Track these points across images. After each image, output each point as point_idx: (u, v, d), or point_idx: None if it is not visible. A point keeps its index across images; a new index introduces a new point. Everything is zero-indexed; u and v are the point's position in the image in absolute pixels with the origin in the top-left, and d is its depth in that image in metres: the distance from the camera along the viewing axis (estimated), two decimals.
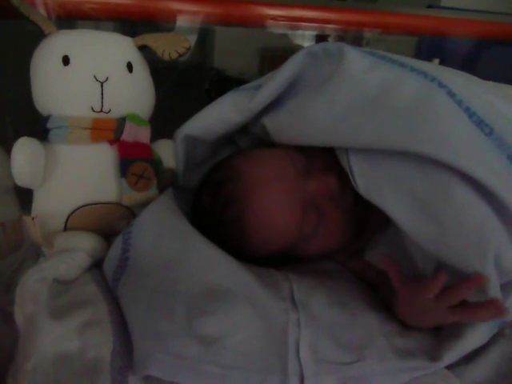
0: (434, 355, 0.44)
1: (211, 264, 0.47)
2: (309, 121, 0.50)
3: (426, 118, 0.44)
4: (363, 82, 0.48)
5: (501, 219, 0.41)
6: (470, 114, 0.44)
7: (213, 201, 0.53)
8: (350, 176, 0.47)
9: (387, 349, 0.44)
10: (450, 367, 0.45)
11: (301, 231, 0.51)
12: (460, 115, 0.44)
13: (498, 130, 0.43)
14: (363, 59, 0.50)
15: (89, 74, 0.49)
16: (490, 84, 0.53)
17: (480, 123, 0.43)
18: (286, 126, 0.54)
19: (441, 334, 0.46)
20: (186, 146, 0.59)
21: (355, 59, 0.50)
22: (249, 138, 0.64)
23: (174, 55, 0.52)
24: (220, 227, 0.52)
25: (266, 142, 0.60)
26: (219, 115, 0.57)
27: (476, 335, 0.44)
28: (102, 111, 0.50)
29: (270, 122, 0.56)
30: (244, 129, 0.61)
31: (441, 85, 0.46)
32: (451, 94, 0.45)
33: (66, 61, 0.48)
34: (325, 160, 0.53)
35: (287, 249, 0.53)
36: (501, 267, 0.41)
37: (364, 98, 0.47)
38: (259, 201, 0.50)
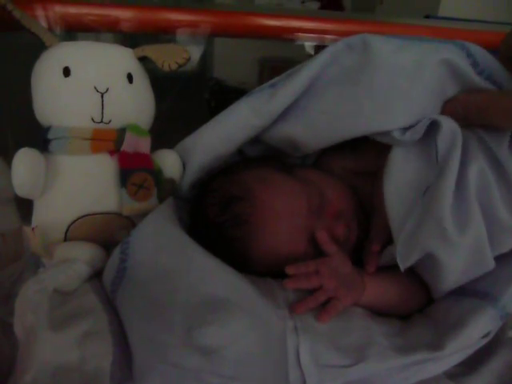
0: (435, 346, 0.43)
1: (209, 274, 0.47)
2: (352, 115, 0.50)
3: None
4: (395, 63, 0.49)
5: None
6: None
7: (220, 215, 0.53)
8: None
9: (388, 347, 0.44)
10: (451, 377, 0.45)
11: (301, 260, 0.51)
12: None
13: None
14: (388, 42, 0.51)
15: (89, 85, 0.49)
16: None
17: None
18: (322, 128, 0.53)
19: (442, 328, 0.46)
20: (204, 163, 0.57)
21: (381, 44, 0.50)
22: (258, 147, 0.63)
23: (174, 66, 0.52)
24: (224, 241, 0.52)
25: (276, 151, 0.60)
26: (237, 122, 0.54)
27: (477, 324, 0.44)
28: (102, 122, 0.50)
29: (301, 128, 0.54)
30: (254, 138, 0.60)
31: (469, 55, 0.50)
32: (475, 66, 0.50)
33: (66, 72, 0.49)
34: (337, 205, 0.54)
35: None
36: (492, 215, 0.44)
37: (401, 77, 0.49)
38: (269, 231, 0.51)
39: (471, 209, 0.44)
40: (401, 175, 0.48)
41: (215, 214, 0.54)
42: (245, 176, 0.55)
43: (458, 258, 0.45)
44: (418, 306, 0.51)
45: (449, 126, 0.47)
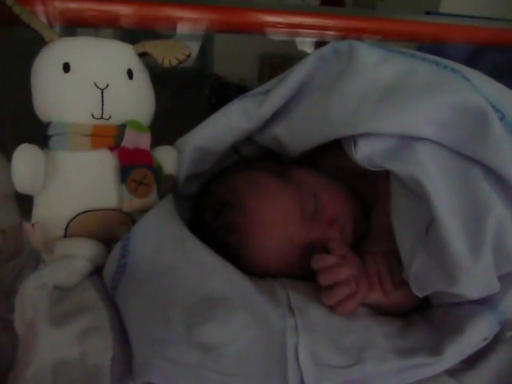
0: (434, 351, 0.43)
1: (209, 271, 0.47)
2: (320, 118, 0.50)
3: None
4: (376, 74, 0.49)
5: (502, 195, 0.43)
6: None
7: (215, 220, 0.54)
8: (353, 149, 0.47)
9: (387, 349, 0.44)
10: (451, 373, 0.45)
11: (294, 269, 0.52)
12: None
13: (509, 116, 0.44)
14: (374, 53, 0.51)
15: (89, 80, 0.49)
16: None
17: (492, 108, 0.44)
18: (300, 131, 0.54)
19: (441, 332, 0.46)
20: (193, 158, 0.58)
21: (366, 53, 0.51)
22: (253, 146, 0.63)
23: (174, 62, 0.52)
24: (219, 245, 0.52)
25: (270, 151, 0.60)
26: (228, 123, 0.56)
27: (476, 330, 0.44)
28: (102, 118, 0.50)
29: (284, 130, 0.55)
30: (248, 137, 0.60)
31: (454, 71, 0.48)
32: (466, 78, 0.47)
33: (66, 68, 0.49)
34: (332, 209, 0.53)
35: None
36: (503, 249, 0.41)
37: (378, 88, 0.48)
38: (259, 241, 0.51)
39: (484, 250, 0.41)
40: (403, 208, 0.47)
41: (210, 218, 0.54)
42: (238, 181, 0.55)
43: (471, 291, 0.44)
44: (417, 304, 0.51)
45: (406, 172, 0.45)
